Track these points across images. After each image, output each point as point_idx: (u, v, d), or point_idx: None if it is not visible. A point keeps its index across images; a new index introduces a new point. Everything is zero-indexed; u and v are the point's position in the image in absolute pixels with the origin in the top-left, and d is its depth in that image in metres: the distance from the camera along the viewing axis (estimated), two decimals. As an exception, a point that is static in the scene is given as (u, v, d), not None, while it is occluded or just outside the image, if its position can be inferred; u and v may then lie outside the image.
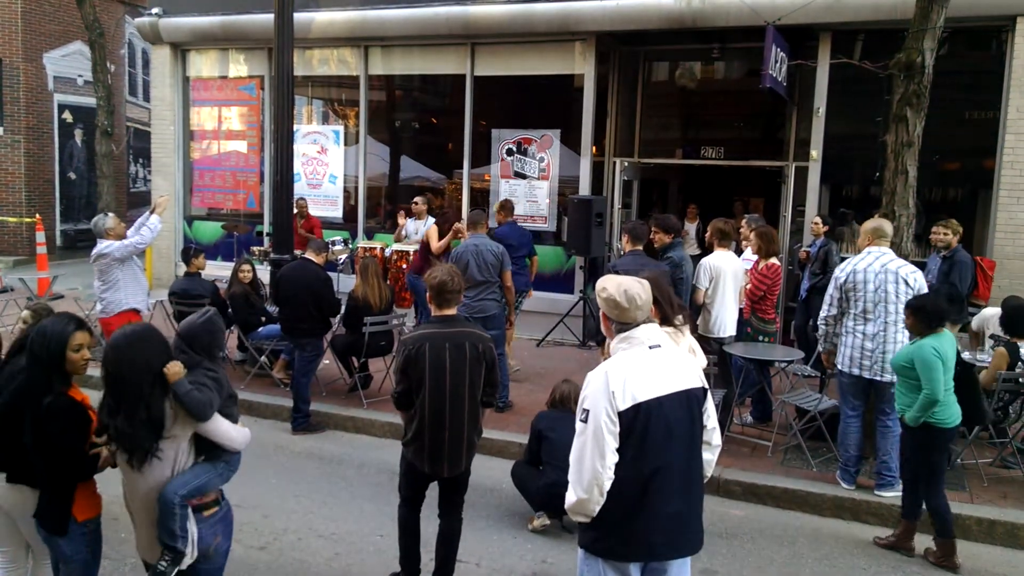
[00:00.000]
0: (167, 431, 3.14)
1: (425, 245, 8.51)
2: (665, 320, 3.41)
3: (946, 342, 4.83)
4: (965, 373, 4.91)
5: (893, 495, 5.45)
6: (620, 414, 2.84)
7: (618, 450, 2.86)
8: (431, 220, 9.66)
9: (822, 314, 5.86)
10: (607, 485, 2.85)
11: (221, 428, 3.27)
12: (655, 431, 2.87)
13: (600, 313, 3.14)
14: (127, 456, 3.12)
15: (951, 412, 4.82)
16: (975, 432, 6.24)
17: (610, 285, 3.05)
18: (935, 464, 4.86)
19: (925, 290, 5.46)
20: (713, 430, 3.11)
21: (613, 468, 2.85)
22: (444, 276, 4.17)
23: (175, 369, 3.15)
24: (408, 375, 4.08)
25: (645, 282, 3.13)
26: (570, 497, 2.93)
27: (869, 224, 5.76)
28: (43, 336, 3.25)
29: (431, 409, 4.06)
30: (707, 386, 3.09)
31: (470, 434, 4.15)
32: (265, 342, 7.96)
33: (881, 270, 5.49)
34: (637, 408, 2.85)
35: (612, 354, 3.05)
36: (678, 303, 3.71)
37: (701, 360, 3.63)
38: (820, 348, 5.97)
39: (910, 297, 5.32)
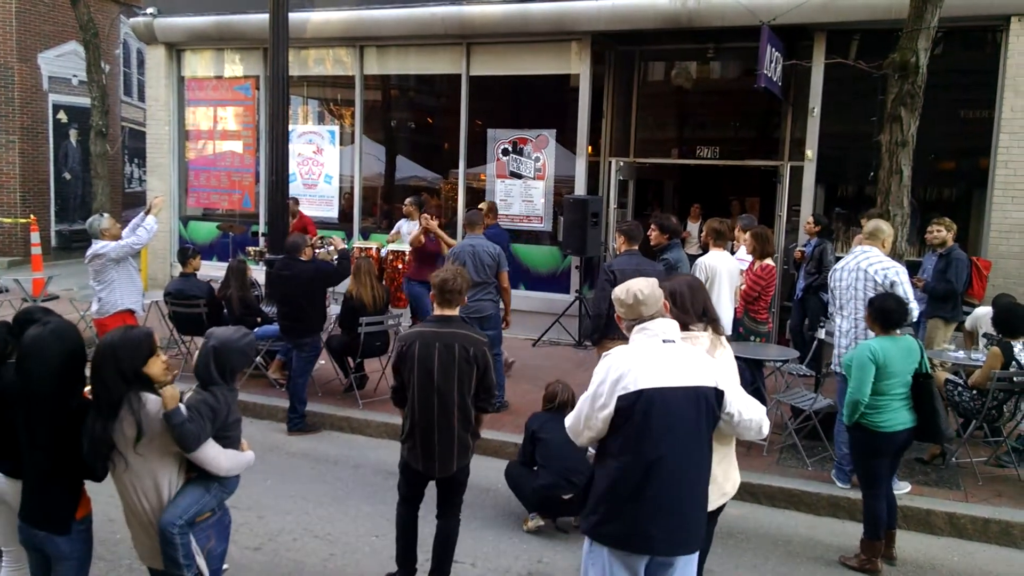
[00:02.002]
0: (123, 448, 3.08)
1: (417, 250, 8.51)
2: (684, 327, 3.39)
3: (892, 346, 4.74)
4: (924, 384, 4.82)
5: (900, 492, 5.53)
6: (621, 397, 2.95)
7: (617, 434, 2.99)
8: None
9: (830, 309, 6.03)
10: (586, 437, 3.13)
11: (207, 455, 3.21)
12: (655, 420, 2.94)
13: (616, 316, 3.33)
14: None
15: (888, 417, 4.71)
16: (969, 431, 6.26)
17: (619, 288, 3.27)
18: (870, 467, 4.83)
19: (901, 289, 5.39)
20: (742, 421, 3.14)
21: (596, 430, 3.06)
22: (446, 275, 4.18)
23: (171, 393, 3.12)
24: (401, 372, 4.12)
25: (653, 280, 3.30)
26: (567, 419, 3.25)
27: (867, 224, 5.82)
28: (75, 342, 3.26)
29: (420, 407, 4.07)
30: (722, 388, 3.09)
31: (462, 435, 4.13)
32: (261, 342, 7.95)
33: (855, 268, 5.54)
34: (639, 394, 2.94)
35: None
36: (700, 311, 3.53)
37: (727, 362, 3.52)
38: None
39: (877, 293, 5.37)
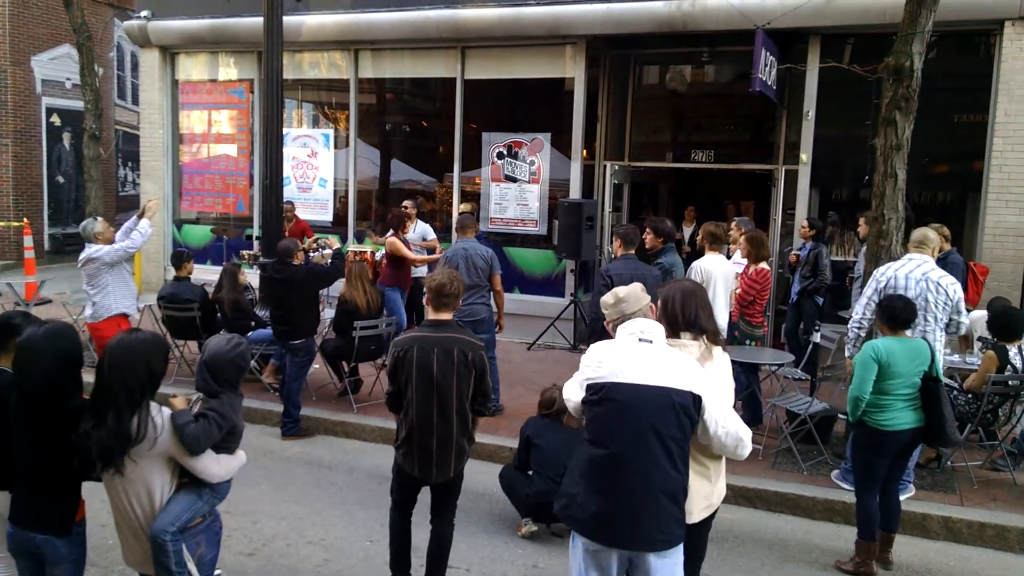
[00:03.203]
0: (130, 446, 3.07)
1: (391, 255, 8.49)
2: (674, 334, 3.38)
3: (898, 346, 4.72)
4: (932, 388, 4.80)
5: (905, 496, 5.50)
6: (588, 387, 3.12)
7: (585, 422, 3.15)
8: (420, 224, 9.63)
9: (856, 316, 5.73)
10: (570, 405, 3.28)
11: (201, 463, 3.21)
12: (615, 414, 3.03)
13: (608, 326, 3.46)
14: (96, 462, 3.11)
15: (890, 417, 4.70)
16: (964, 435, 6.25)
17: (607, 295, 3.44)
18: (867, 463, 4.81)
19: (961, 301, 5.44)
20: (717, 434, 3.10)
21: (577, 401, 3.19)
22: (443, 279, 4.14)
23: (176, 404, 3.20)
24: (397, 377, 4.07)
25: (637, 284, 3.46)
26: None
27: (914, 233, 5.75)
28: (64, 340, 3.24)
29: (418, 413, 4.03)
30: (699, 393, 3.05)
31: (459, 440, 4.10)
32: (255, 346, 7.91)
33: (922, 278, 5.46)
34: (602, 386, 3.06)
35: None
36: (692, 319, 3.41)
37: (720, 373, 3.43)
38: (848, 352, 5.81)
39: (947, 307, 5.42)
